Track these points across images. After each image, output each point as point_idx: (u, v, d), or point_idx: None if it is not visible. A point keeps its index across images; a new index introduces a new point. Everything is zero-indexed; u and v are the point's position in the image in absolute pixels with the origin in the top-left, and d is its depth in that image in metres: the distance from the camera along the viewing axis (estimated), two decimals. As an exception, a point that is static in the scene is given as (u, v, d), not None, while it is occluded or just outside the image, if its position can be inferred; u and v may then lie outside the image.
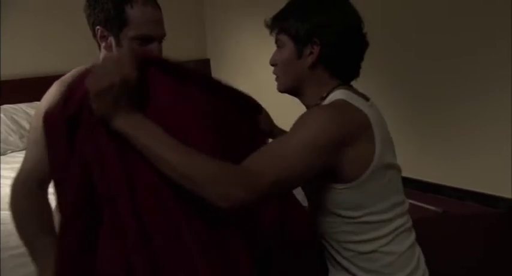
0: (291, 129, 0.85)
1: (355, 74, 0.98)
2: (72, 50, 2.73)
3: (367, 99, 0.96)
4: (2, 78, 2.59)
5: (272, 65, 0.98)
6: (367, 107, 0.91)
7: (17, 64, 2.66)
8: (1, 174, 1.98)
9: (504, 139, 2.33)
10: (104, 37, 1.08)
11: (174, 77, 0.78)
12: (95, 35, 1.09)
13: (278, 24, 0.95)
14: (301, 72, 0.94)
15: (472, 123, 2.51)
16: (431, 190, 2.75)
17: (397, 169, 0.96)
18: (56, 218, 1.00)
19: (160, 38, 1.10)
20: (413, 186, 2.60)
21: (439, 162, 2.72)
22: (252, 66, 3.53)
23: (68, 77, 1.12)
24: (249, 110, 0.94)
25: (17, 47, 2.63)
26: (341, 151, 0.83)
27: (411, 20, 2.61)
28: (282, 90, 0.99)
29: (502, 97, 2.29)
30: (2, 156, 2.29)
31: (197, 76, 0.84)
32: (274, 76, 0.99)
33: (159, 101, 0.76)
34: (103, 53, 1.12)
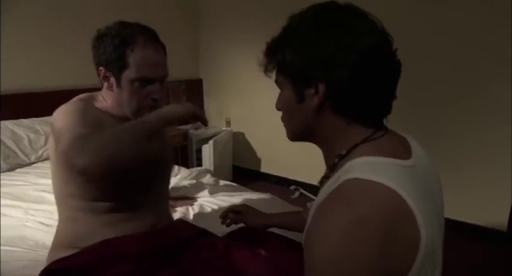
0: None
1: (384, 112, 0.70)
2: (73, 66, 2.73)
3: (407, 153, 0.69)
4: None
5: (278, 110, 0.77)
6: (402, 173, 0.63)
7: (12, 79, 2.58)
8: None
9: None
10: (106, 77, 1.11)
11: None
12: (98, 75, 1.12)
13: (270, 59, 0.72)
14: (307, 119, 0.70)
15: (484, 157, 2.46)
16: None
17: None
18: None
19: (161, 79, 1.13)
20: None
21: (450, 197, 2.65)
22: (243, 87, 3.56)
23: (86, 96, 1.16)
24: None
25: (16, 62, 2.56)
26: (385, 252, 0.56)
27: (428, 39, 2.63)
28: (291, 139, 0.78)
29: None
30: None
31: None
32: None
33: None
34: (105, 92, 1.15)
